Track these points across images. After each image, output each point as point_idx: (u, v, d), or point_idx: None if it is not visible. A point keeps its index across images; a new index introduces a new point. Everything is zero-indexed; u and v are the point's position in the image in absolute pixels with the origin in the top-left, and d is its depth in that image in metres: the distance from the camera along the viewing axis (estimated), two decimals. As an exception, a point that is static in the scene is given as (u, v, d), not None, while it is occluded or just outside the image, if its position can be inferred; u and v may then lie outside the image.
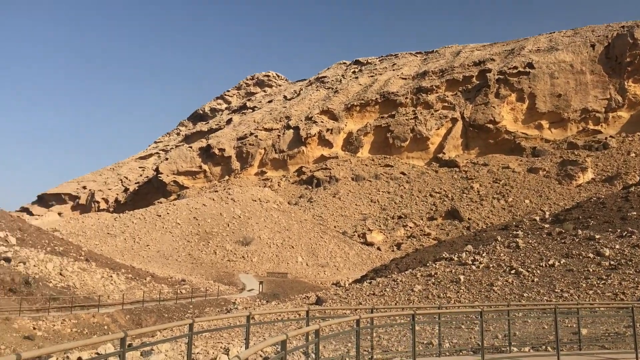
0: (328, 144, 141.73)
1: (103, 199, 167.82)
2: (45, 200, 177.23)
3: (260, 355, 16.17)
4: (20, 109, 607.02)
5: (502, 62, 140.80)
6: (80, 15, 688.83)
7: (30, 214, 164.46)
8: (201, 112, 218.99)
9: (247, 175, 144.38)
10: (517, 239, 33.59)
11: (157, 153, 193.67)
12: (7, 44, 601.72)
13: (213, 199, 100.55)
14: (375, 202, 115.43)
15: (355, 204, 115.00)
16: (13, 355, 5.69)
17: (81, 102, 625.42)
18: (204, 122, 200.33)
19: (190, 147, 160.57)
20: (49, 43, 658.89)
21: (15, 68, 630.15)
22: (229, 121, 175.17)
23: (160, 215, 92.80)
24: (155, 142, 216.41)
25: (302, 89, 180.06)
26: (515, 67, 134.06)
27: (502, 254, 31.61)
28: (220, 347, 19.38)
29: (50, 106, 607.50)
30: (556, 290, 25.19)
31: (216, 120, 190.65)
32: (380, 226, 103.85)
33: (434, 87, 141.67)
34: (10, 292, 35.85)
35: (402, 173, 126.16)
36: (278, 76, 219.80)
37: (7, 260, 39.98)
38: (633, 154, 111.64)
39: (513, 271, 28.46)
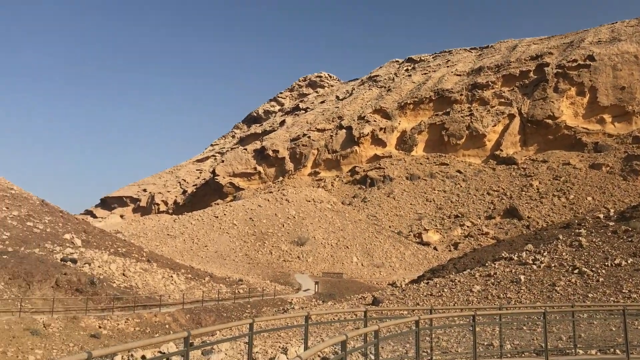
0: (381, 143, 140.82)
1: (162, 201, 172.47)
2: (107, 203, 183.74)
3: (319, 356, 16.22)
4: (86, 117, 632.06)
5: (560, 55, 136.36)
6: (131, 20, 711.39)
7: (94, 216, 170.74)
8: (255, 114, 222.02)
9: (301, 176, 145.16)
10: (580, 238, 32.42)
11: (214, 156, 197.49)
12: (70, 46, 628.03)
13: (268, 200, 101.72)
14: (430, 201, 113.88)
15: (410, 204, 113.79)
16: (84, 353, 5.90)
17: (142, 109, 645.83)
18: (258, 125, 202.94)
19: (245, 149, 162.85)
20: (108, 47, 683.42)
21: (78, 78, 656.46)
22: (282, 123, 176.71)
23: (217, 217, 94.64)
24: (212, 145, 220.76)
25: (354, 89, 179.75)
26: (575, 60, 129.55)
27: (564, 253, 30.60)
28: (279, 347, 19.55)
29: (112, 113, 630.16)
30: (624, 291, 24.19)
31: (270, 122, 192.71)
32: (436, 226, 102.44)
33: (490, 83, 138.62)
34: (77, 292, 37.37)
35: (458, 171, 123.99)
36: (330, 76, 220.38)
37: (74, 261, 41.67)
38: None
39: (576, 271, 27.50)
